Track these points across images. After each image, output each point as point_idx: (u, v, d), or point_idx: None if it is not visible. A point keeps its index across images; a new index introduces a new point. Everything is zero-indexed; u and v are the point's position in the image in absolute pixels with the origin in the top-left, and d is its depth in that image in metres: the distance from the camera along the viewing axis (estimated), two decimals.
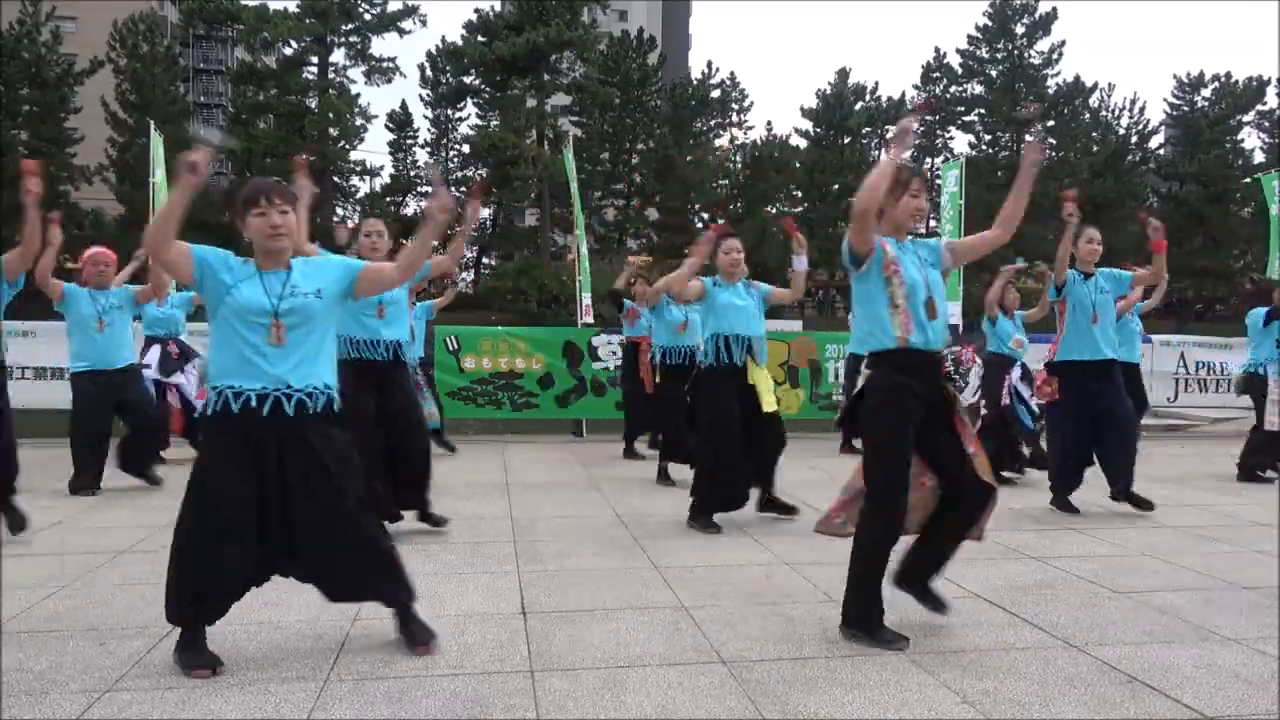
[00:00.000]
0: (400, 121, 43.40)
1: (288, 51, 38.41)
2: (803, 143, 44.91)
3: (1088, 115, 44.46)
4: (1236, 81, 45.42)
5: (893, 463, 3.37)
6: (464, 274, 43.43)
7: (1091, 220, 6.17)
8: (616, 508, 6.07)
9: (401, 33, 38.73)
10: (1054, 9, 44.11)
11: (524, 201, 42.22)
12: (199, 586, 3.07)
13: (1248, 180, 32.34)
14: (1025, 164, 3.71)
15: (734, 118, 46.25)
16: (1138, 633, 3.55)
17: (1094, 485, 6.02)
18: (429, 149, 44.06)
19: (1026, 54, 44.36)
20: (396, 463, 5.02)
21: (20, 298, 5.24)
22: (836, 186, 42.82)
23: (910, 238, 3.62)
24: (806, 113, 45.10)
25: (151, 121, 14.11)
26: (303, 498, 3.06)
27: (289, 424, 3.04)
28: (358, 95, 39.65)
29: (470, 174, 42.59)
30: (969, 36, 44.99)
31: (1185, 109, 46.52)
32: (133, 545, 4.88)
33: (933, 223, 16.38)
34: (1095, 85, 44.62)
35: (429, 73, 42.64)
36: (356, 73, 39.31)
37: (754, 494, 5.63)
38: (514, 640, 3.40)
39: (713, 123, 45.99)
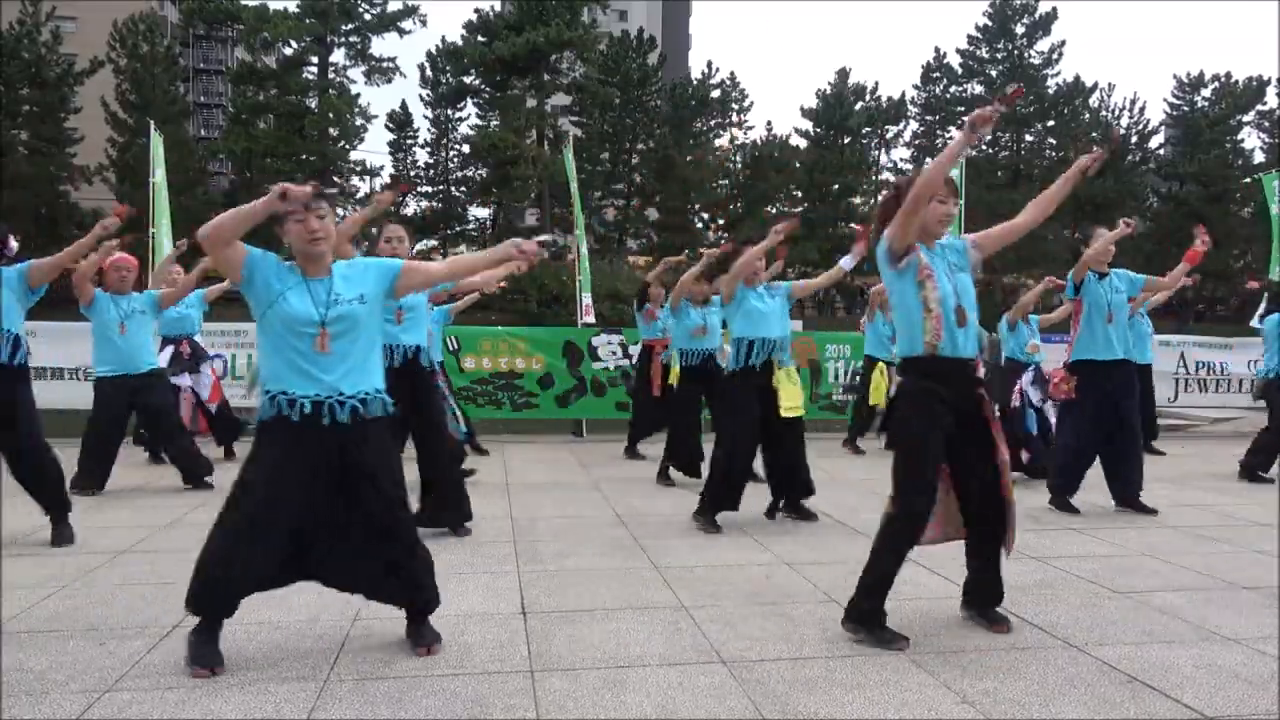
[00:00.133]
0: (400, 121, 43.36)
1: (288, 51, 38.37)
2: (803, 143, 44.87)
3: (1088, 115, 44.44)
4: (1236, 81, 45.39)
5: (918, 470, 3.39)
6: None
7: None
8: (616, 508, 6.07)
9: (401, 33, 38.72)
10: (1054, 9, 44.10)
11: (524, 201, 42.22)
12: (215, 573, 3.09)
13: (1248, 180, 32.32)
14: (1078, 167, 3.70)
15: (734, 118, 46.21)
16: (1138, 633, 3.55)
17: (1094, 485, 6.02)
18: (429, 149, 44.05)
19: (1026, 54, 44.34)
20: (423, 469, 5.09)
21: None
22: (836, 186, 42.83)
23: (940, 243, 3.60)
24: (806, 113, 45.08)
25: (151, 121, 14.12)
26: (351, 504, 3.11)
27: (343, 430, 3.07)
28: (358, 95, 39.65)
29: (470, 174, 42.62)
30: (969, 36, 44.98)
31: (1185, 109, 46.48)
32: (133, 545, 4.88)
33: None
34: (1095, 85, 44.61)
35: (429, 73, 42.61)
36: (356, 73, 39.33)
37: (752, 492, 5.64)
38: (514, 640, 3.40)
39: (713, 123, 45.94)
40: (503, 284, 6.02)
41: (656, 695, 2.90)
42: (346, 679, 3.02)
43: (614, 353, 10.25)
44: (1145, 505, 5.90)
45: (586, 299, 10.90)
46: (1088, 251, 5.80)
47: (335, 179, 38.40)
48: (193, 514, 5.75)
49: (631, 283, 25.20)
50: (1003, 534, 3.52)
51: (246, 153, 36.16)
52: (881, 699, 2.89)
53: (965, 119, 3.32)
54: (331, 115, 37.29)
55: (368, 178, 41.16)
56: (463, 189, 42.95)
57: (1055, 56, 44.47)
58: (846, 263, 5.75)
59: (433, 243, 41.84)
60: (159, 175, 10.37)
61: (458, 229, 43.25)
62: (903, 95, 45.46)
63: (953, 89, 45.54)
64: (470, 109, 43.12)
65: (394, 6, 38.47)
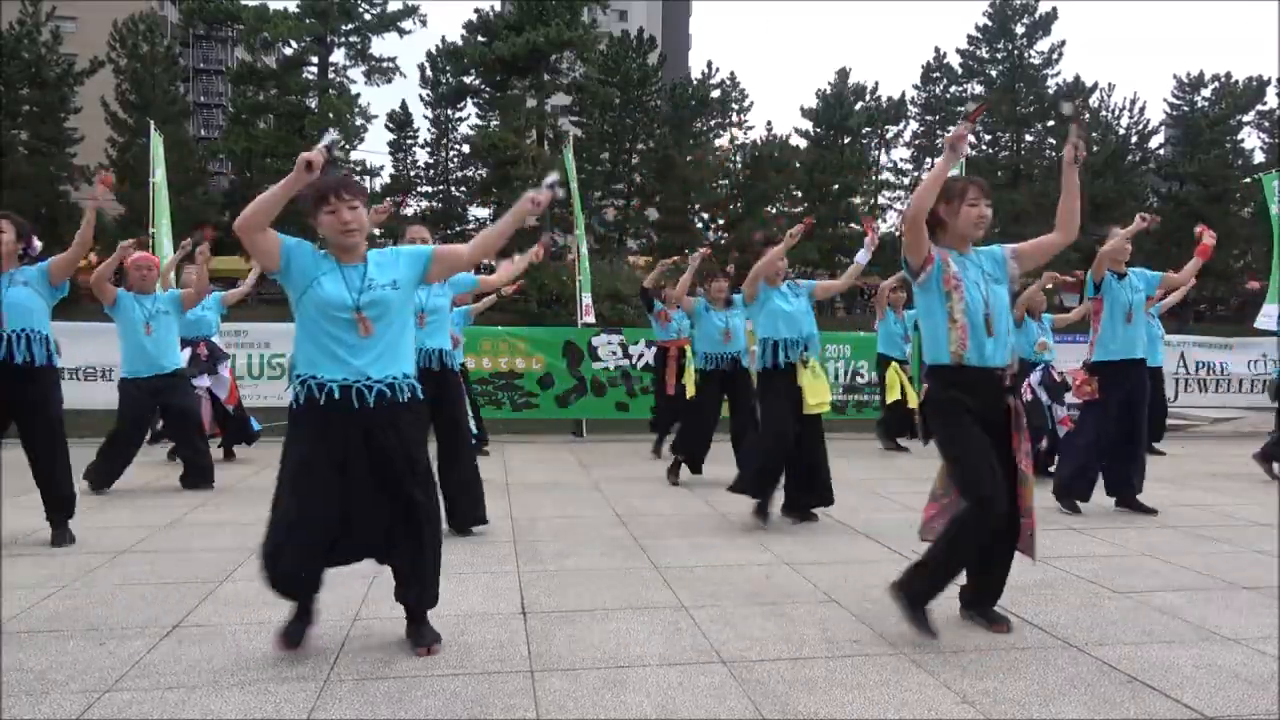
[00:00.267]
0: (400, 121, 43.33)
1: (288, 51, 38.34)
2: (803, 143, 44.84)
3: (1088, 115, 44.43)
4: (1236, 81, 45.37)
5: (968, 462, 3.39)
6: None
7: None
8: (616, 508, 6.07)
9: (401, 33, 38.70)
10: (1054, 9, 44.09)
11: None
12: (274, 566, 3.16)
13: (1248, 180, 32.30)
14: (1065, 163, 3.59)
15: (734, 118, 46.17)
16: (1138, 633, 3.55)
17: (1095, 485, 6.02)
18: (429, 149, 44.03)
19: (1026, 54, 44.33)
20: (444, 470, 5.08)
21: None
22: (836, 186, 42.79)
23: (974, 248, 3.60)
24: (806, 113, 45.06)
25: (151, 121, 14.11)
26: (375, 488, 3.16)
27: (370, 415, 3.11)
28: (358, 95, 39.60)
29: (470, 174, 42.60)
30: (969, 36, 44.97)
31: (1185, 109, 46.47)
32: (133, 545, 4.88)
33: None
34: (1095, 85, 44.62)
35: (429, 73, 42.58)
36: (356, 73, 39.28)
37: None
38: (514, 640, 3.40)
39: (713, 123, 45.90)
40: (520, 283, 6.00)
41: (656, 695, 2.90)
42: (346, 679, 3.02)
43: (614, 353, 10.26)
44: (1145, 505, 5.91)
45: (586, 299, 10.90)
46: (1104, 249, 5.80)
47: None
48: (193, 514, 5.75)
49: (631, 282, 25.21)
50: (1015, 541, 3.51)
51: (246, 153, 36.13)
52: (881, 699, 2.89)
53: (945, 141, 3.40)
54: (331, 115, 37.28)
55: (368, 178, 41.17)
56: (463, 189, 42.92)
57: (1055, 56, 44.48)
58: (862, 257, 5.75)
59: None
60: (159, 175, 10.37)
61: (458, 229, 43.23)
62: (903, 95, 45.41)
63: (953, 89, 45.54)
64: (470, 109, 43.12)
65: (394, 6, 38.48)
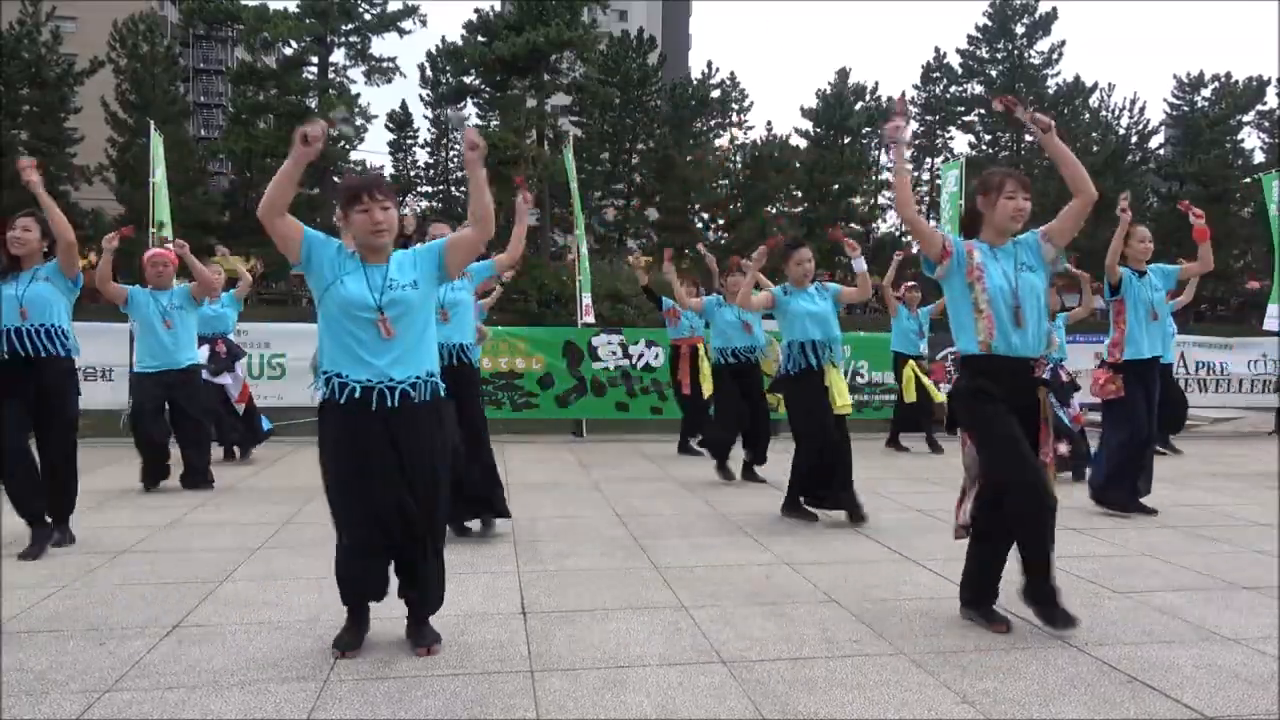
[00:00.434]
0: (400, 121, 43.39)
1: (288, 51, 38.37)
2: (803, 143, 44.89)
3: (1088, 115, 44.45)
4: (1236, 81, 45.41)
5: (1002, 451, 3.44)
6: None
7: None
8: (616, 508, 6.07)
9: (401, 33, 38.72)
10: (1054, 9, 44.19)
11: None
12: (341, 573, 3.26)
13: (1248, 180, 32.29)
14: (1041, 141, 3.50)
15: (734, 118, 46.23)
16: (1138, 633, 3.55)
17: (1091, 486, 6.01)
18: (429, 149, 44.05)
19: (1026, 54, 44.39)
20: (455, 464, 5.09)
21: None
22: (836, 186, 42.82)
23: (1012, 240, 3.59)
24: (806, 113, 45.10)
25: (151, 121, 14.10)
26: (396, 485, 3.17)
27: (393, 415, 3.13)
28: (358, 95, 39.65)
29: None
30: (969, 36, 45.06)
31: (1185, 109, 46.50)
32: (133, 545, 4.87)
33: (932, 222, 16.38)
34: (1095, 85, 44.66)
35: (429, 73, 42.64)
36: (356, 73, 39.32)
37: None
38: (514, 640, 3.40)
39: (713, 123, 45.96)
40: (513, 270, 5.99)
41: (656, 695, 2.90)
42: (346, 679, 3.02)
43: (614, 353, 10.26)
44: (1145, 505, 5.90)
45: (586, 299, 10.90)
46: (1108, 259, 5.80)
47: (335, 179, 38.36)
48: (193, 514, 5.75)
49: (631, 283, 25.19)
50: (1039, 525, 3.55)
51: (246, 153, 36.12)
52: (881, 699, 2.89)
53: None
54: (332, 115, 37.29)
55: None
56: (463, 189, 42.93)
57: (1055, 56, 44.55)
58: (858, 265, 5.74)
59: None
60: (159, 175, 10.36)
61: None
62: (903, 95, 45.35)
63: (953, 89, 45.56)
64: (470, 109, 43.16)
65: (394, 6, 38.49)
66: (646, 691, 2.93)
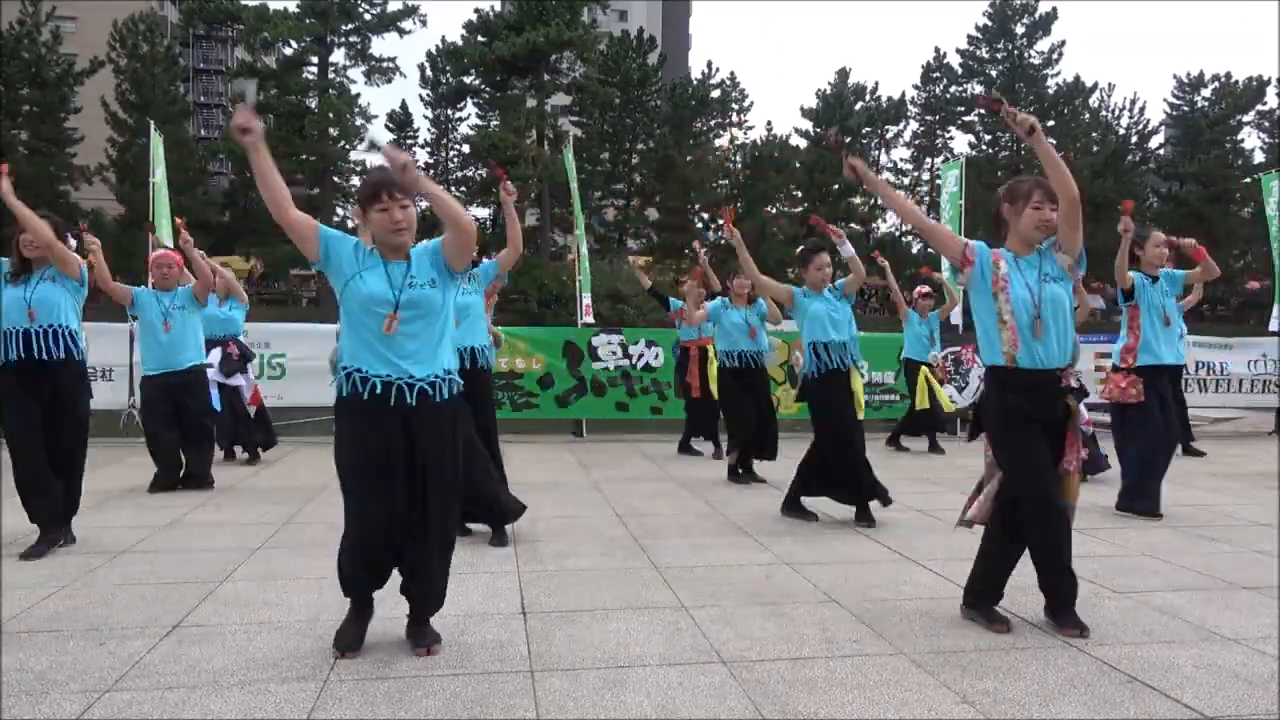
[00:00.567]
0: (400, 121, 43.34)
1: (288, 51, 38.33)
2: (803, 143, 44.87)
3: (1088, 115, 44.44)
4: (1236, 81, 45.39)
5: (1028, 468, 3.47)
6: None
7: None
8: (616, 508, 6.07)
9: (401, 33, 38.67)
10: (1054, 9, 44.12)
11: (524, 201, 42.17)
12: (344, 570, 3.26)
13: (1248, 180, 32.31)
14: (1027, 140, 3.50)
15: (734, 118, 46.20)
16: (1138, 633, 3.55)
17: (1094, 485, 6.02)
18: (429, 149, 44.03)
19: (1026, 54, 44.34)
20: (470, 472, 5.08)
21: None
22: (836, 186, 42.79)
23: (1038, 250, 3.58)
24: (806, 113, 45.09)
25: (151, 121, 14.10)
26: (409, 481, 3.18)
27: (412, 412, 3.14)
28: (358, 95, 39.58)
29: (470, 174, 42.59)
30: (969, 36, 44.99)
31: (1185, 109, 46.48)
32: (133, 545, 4.87)
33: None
34: (1095, 85, 44.61)
35: (429, 73, 42.61)
36: (356, 73, 39.25)
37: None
38: (514, 640, 3.40)
39: (713, 123, 45.94)
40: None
41: (656, 695, 2.90)
42: (346, 679, 3.02)
43: (614, 353, 10.26)
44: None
45: (586, 299, 10.90)
46: (1117, 262, 5.80)
47: (335, 179, 38.39)
48: (193, 514, 5.75)
49: (631, 283, 25.20)
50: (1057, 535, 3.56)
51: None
52: (881, 699, 2.89)
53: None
54: (331, 115, 37.28)
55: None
56: (463, 189, 42.93)
57: (1055, 56, 44.49)
58: (845, 250, 5.76)
59: None
60: (159, 175, 10.36)
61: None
62: (903, 95, 45.38)
63: (953, 89, 45.54)
64: (470, 109, 43.16)
65: (394, 6, 38.45)
66: (646, 691, 2.93)
